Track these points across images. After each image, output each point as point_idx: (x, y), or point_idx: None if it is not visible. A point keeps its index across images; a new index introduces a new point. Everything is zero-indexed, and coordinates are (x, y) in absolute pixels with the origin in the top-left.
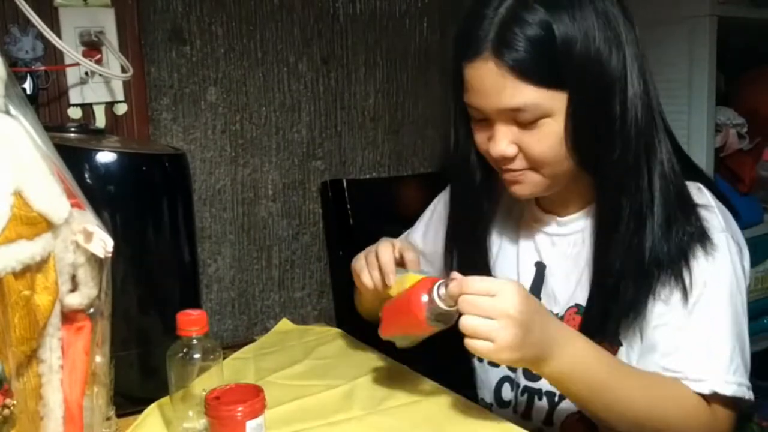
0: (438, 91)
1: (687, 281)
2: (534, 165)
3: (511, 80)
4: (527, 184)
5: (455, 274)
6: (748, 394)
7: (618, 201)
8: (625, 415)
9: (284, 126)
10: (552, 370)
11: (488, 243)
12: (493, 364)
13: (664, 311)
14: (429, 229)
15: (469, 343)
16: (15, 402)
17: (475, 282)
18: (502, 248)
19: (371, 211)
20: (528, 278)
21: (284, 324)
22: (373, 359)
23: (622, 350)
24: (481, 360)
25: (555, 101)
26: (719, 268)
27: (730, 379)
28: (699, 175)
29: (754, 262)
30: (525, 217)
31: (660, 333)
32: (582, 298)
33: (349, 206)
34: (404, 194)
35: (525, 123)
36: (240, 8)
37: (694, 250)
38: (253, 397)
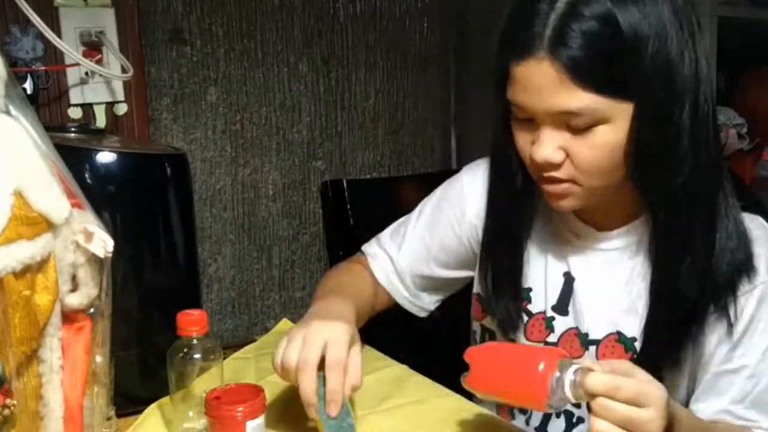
0: (439, 91)
1: (732, 315)
2: (580, 174)
3: (567, 84)
4: (570, 197)
5: (589, 362)
6: None
7: (686, 224)
8: None
9: (284, 126)
10: None
11: (524, 253)
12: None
13: (723, 352)
14: (424, 227)
15: None
16: (15, 402)
17: (622, 387)
18: (529, 258)
19: (371, 211)
20: (555, 289)
21: (284, 324)
22: (373, 359)
23: (635, 360)
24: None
25: (616, 109)
26: None
27: None
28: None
29: None
30: (557, 225)
31: (728, 377)
32: (624, 325)
33: (349, 206)
34: (404, 194)
35: (577, 128)
36: (240, 8)
37: (742, 283)
38: (253, 397)
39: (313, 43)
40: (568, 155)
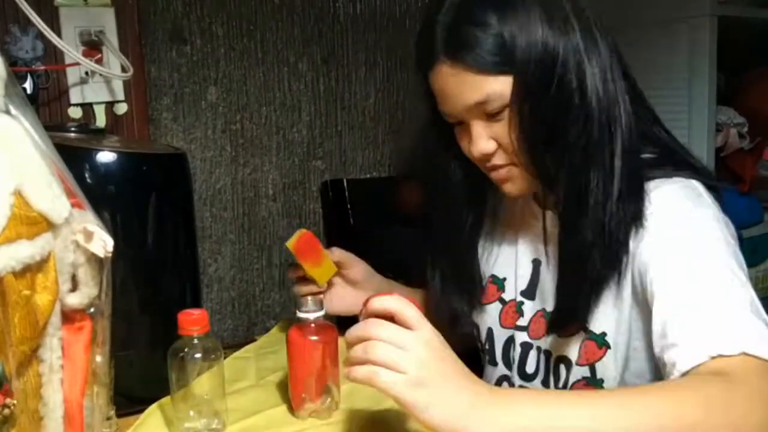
0: None
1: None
2: (513, 157)
3: (468, 76)
4: (514, 180)
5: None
6: None
7: (578, 182)
8: None
9: (284, 126)
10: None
11: (477, 252)
12: (493, 363)
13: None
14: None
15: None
16: (15, 402)
17: (379, 332)
18: (501, 251)
19: (371, 211)
20: (525, 276)
21: (284, 324)
22: None
23: (610, 353)
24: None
25: (509, 86)
26: (705, 225)
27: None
28: (694, 171)
29: (756, 262)
30: (525, 215)
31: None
32: None
33: (349, 206)
34: (404, 194)
35: (493, 114)
36: (240, 8)
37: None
38: None
39: (313, 42)
40: (498, 143)
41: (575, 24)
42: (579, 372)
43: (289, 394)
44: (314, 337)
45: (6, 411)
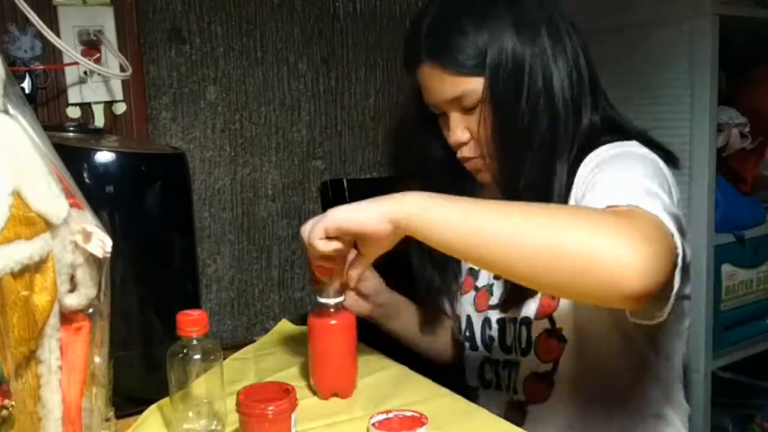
0: None
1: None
2: (484, 149)
3: (446, 75)
4: (484, 170)
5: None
6: (671, 225)
7: (541, 176)
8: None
9: (284, 125)
10: (394, 206)
11: None
12: (474, 348)
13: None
14: None
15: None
16: (13, 403)
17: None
18: None
19: None
20: None
21: (284, 324)
22: (373, 360)
23: (569, 346)
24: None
25: (482, 85)
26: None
27: (651, 202)
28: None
29: (757, 262)
30: (484, 194)
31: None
32: None
33: None
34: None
35: (469, 108)
36: (240, 7)
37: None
38: (283, 392)
39: (312, 42)
40: (471, 135)
41: (543, 30)
42: (540, 325)
43: (310, 376)
44: (334, 321)
45: (4, 412)
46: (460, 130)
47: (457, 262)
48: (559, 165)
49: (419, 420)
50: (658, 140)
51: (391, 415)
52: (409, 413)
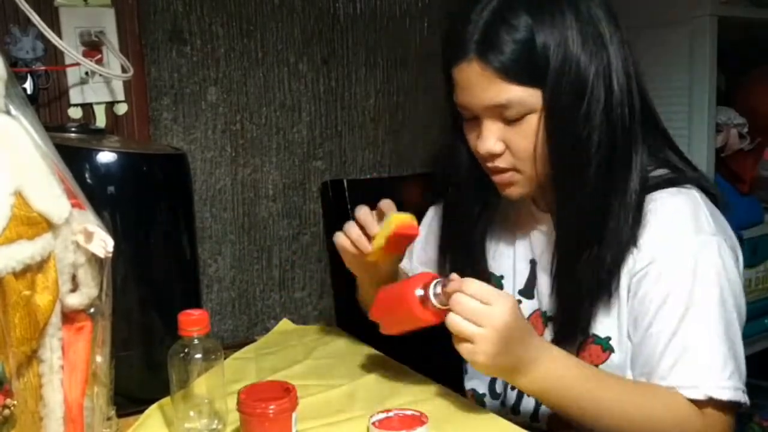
0: (439, 91)
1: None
2: (519, 163)
3: (495, 79)
4: (516, 185)
5: (454, 276)
6: (744, 398)
7: (586, 206)
8: (613, 425)
9: (285, 126)
10: (526, 384)
11: (485, 248)
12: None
13: (651, 312)
14: (429, 234)
15: (454, 341)
16: (15, 402)
17: (473, 285)
18: (498, 249)
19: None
20: (523, 275)
21: (284, 324)
22: (373, 359)
23: (614, 357)
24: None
25: (536, 98)
26: (708, 271)
27: (726, 384)
28: (693, 176)
29: (755, 262)
30: (523, 215)
31: (651, 340)
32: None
33: (349, 206)
34: (404, 194)
35: (511, 119)
36: (240, 8)
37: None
38: (284, 391)
39: (313, 42)
40: (507, 146)
41: (607, 38)
42: None
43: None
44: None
45: (6, 411)
46: (493, 140)
47: (485, 259)
48: (614, 200)
49: (419, 419)
50: (708, 185)
51: (391, 414)
52: (409, 412)
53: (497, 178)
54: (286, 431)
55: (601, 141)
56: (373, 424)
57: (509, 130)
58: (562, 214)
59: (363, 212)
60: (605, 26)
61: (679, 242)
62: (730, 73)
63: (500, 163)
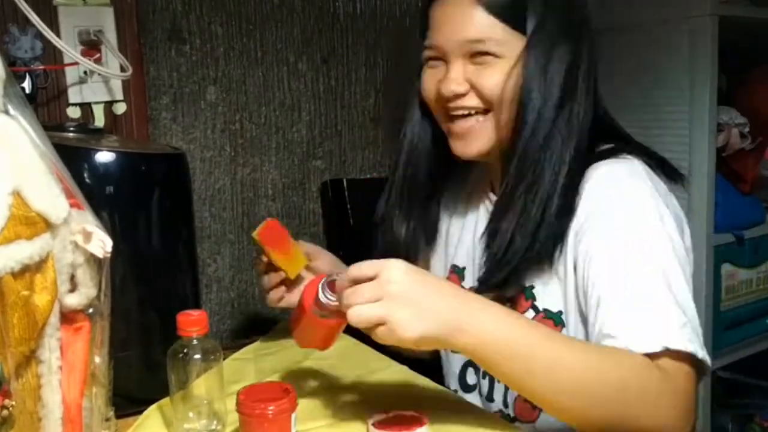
0: None
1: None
2: (485, 104)
3: (480, 11)
4: (476, 135)
5: (337, 272)
6: (702, 353)
7: (534, 160)
8: (560, 385)
9: (284, 125)
10: (466, 341)
11: (446, 238)
12: (455, 351)
13: (592, 274)
14: None
15: (370, 334)
16: (14, 402)
17: (353, 270)
18: (463, 240)
19: (371, 211)
20: (482, 265)
21: (284, 325)
22: (373, 359)
23: (567, 331)
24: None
25: (514, 41)
26: (646, 219)
27: (679, 333)
28: (630, 144)
29: (756, 262)
30: (482, 203)
31: (593, 301)
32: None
33: (349, 206)
34: None
35: (480, 57)
36: (240, 7)
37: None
38: (283, 391)
39: (312, 42)
40: (472, 87)
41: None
42: None
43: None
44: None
45: (5, 412)
46: (459, 80)
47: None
48: (565, 151)
49: (419, 420)
50: (655, 151)
51: (391, 414)
52: (409, 413)
53: (458, 126)
54: None
55: (563, 91)
56: (373, 424)
57: (476, 69)
58: (511, 163)
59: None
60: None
61: (614, 196)
62: (730, 72)
63: (467, 101)
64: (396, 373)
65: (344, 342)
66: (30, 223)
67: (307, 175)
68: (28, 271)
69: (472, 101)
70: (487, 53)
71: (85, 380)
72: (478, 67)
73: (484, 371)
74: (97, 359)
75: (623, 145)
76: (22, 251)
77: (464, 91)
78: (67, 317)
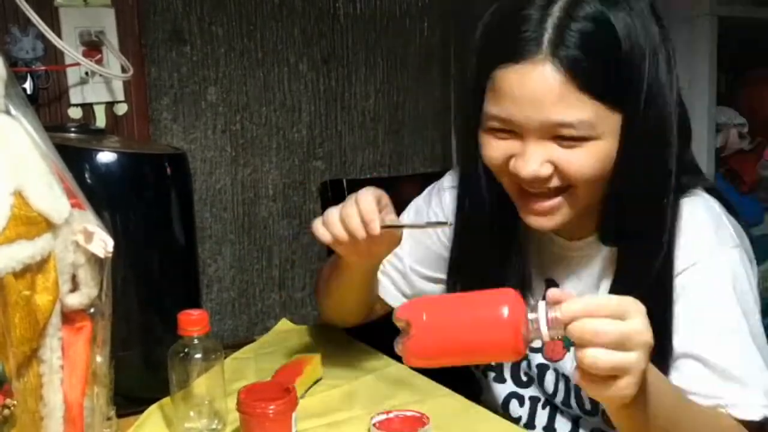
0: (439, 91)
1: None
2: (569, 183)
3: (570, 89)
4: (558, 213)
5: (555, 295)
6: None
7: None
8: None
9: (284, 126)
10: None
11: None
12: (500, 380)
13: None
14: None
15: (585, 385)
16: (15, 402)
17: (594, 301)
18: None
19: None
20: (538, 295)
21: (284, 324)
22: (373, 359)
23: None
24: (485, 373)
25: (607, 120)
26: (740, 286)
27: (764, 402)
28: (703, 181)
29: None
30: (534, 235)
31: (690, 359)
32: None
33: None
34: (404, 194)
35: (566, 140)
36: (240, 8)
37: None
38: (283, 390)
39: (313, 42)
40: (556, 168)
41: (670, 46)
42: None
43: None
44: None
45: (6, 411)
46: (539, 162)
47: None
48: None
49: (420, 419)
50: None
51: (392, 414)
52: (410, 413)
53: (538, 206)
54: (286, 431)
55: (677, 161)
56: (374, 424)
57: (562, 151)
58: (618, 235)
59: (367, 205)
60: (672, 49)
61: (710, 254)
62: (730, 72)
63: (547, 183)
64: (396, 372)
65: (344, 341)
66: (31, 223)
67: (308, 175)
68: (29, 271)
69: (555, 182)
70: (578, 137)
71: (87, 380)
72: (565, 148)
73: (543, 402)
74: (98, 359)
75: (696, 179)
76: (24, 251)
77: (547, 174)
78: (69, 317)
